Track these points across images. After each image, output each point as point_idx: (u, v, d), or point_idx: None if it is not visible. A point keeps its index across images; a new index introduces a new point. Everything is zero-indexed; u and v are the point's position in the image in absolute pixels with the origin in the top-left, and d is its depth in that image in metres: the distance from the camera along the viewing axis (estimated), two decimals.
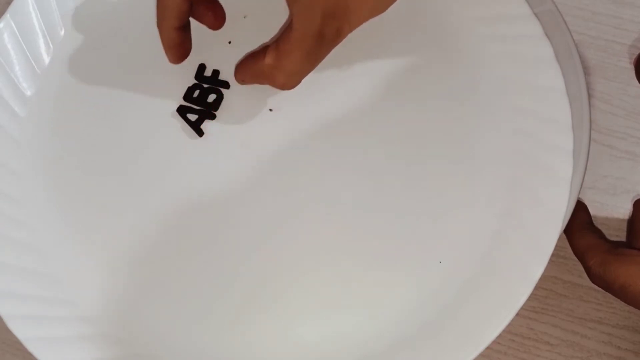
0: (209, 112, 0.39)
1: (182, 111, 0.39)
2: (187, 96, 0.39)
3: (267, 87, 0.37)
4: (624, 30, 0.44)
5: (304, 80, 0.35)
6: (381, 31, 0.39)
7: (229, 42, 0.40)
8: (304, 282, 0.36)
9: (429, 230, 0.36)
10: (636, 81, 0.43)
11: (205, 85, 0.39)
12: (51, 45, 0.41)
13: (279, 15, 0.39)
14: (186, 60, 0.38)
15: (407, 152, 0.37)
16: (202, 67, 0.39)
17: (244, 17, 0.40)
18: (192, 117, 0.39)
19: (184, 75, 0.39)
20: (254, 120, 0.38)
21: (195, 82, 0.39)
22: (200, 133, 0.38)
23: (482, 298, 0.34)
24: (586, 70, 0.37)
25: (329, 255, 0.36)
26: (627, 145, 0.42)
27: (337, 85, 0.39)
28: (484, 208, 0.36)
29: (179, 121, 0.39)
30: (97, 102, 0.40)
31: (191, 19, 0.38)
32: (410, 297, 0.35)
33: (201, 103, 0.39)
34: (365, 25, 0.36)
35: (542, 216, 0.35)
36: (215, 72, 0.39)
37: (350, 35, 0.35)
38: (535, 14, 0.38)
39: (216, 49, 0.40)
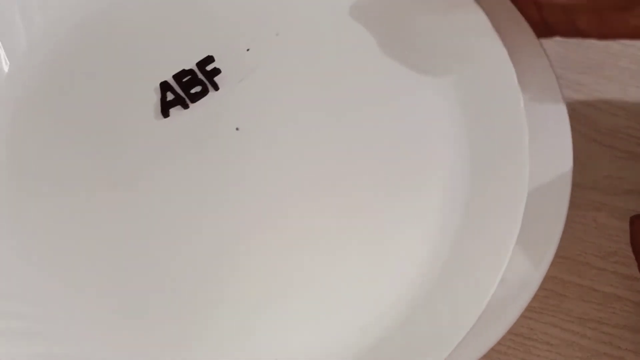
0: (185, 100, 0.39)
1: (164, 87, 0.39)
2: (178, 77, 0.39)
3: (239, 106, 0.38)
4: None
5: (269, 98, 0.37)
6: (363, 25, 0.40)
7: (247, 50, 0.40)
8: (281, 283, 0.35)
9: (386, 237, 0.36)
10: (636, 81, 0.43)
11: (200, 77, 0.39)
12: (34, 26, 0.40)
13: (309, 34, 0.40)
14: (197, 48, 0.39)
15: (373, 154, 0.37)
16: (209, 59, 0.39)
17: (277, 35, 0.40)
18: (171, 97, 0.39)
19: (185, 58, 0.39)
20: (218, 134, 0.38)
21: (193, 68, 0.39)
22: (165, 114, 0.38)
23: (437, 308, 0.34)
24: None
25: (310, 256, 0.35)
26: (628, 145, 0.42)
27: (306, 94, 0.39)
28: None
29: (157, 95, 0.39)
30: (83, 67, 0.40)
31: None
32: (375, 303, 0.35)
33: (184, 89, 0.39)
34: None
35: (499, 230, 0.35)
36: (216, 71, 0.39)
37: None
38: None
39: (230, 51, 0.40)
